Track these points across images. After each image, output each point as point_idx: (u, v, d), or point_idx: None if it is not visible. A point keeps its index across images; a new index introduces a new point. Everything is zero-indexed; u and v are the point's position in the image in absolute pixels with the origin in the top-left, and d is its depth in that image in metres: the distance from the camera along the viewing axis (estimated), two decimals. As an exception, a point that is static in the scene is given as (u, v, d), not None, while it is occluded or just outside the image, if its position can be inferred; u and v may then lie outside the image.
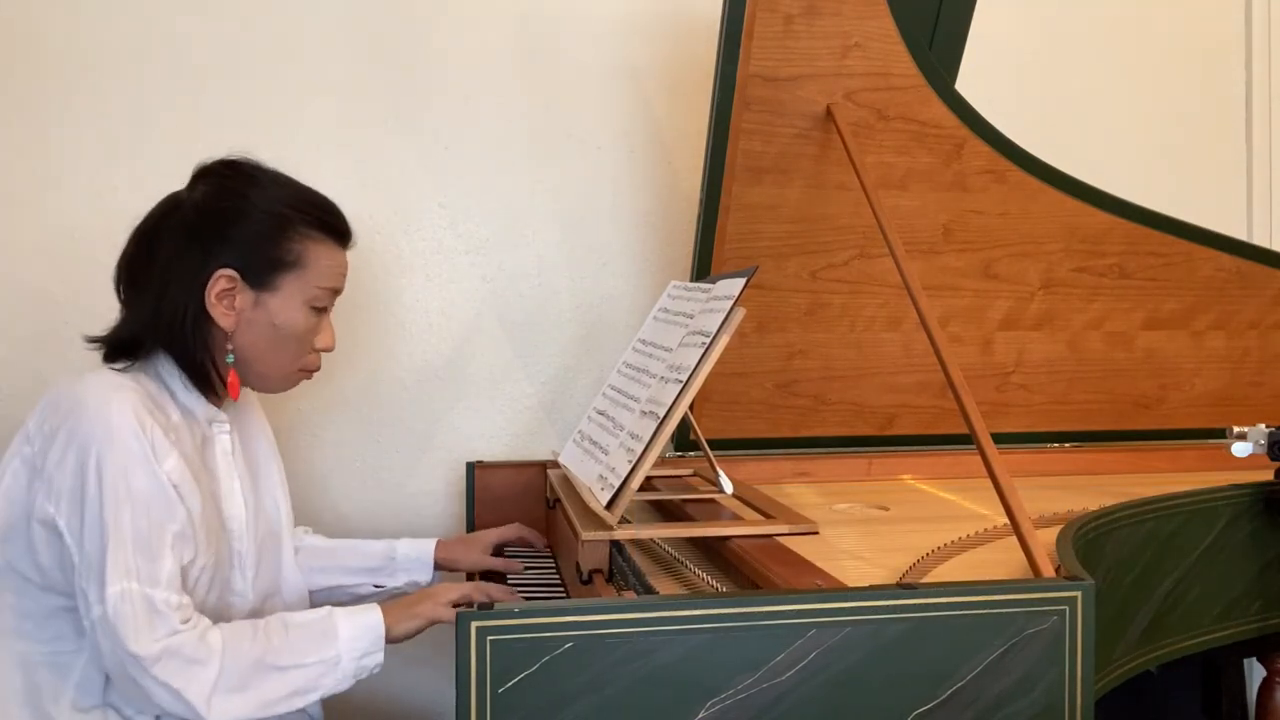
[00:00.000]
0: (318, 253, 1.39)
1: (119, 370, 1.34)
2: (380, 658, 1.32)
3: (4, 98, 2.05)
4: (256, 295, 1.36)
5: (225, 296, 1.34)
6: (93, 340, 1.38)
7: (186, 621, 1.23)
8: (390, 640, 1.32)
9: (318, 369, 1.46)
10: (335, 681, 1.28)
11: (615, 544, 1.42)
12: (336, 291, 1.43)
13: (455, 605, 1.36)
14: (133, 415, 1.25)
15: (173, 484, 1.27)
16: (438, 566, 1.70)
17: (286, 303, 1.37)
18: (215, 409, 1.42)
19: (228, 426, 1.44)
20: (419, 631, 1.36)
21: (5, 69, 2.05)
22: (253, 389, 1.46)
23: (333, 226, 1.41)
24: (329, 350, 1.45)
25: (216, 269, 1.33)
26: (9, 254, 2.06)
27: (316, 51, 2.14)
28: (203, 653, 1.21)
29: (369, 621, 1.31)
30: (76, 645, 1.29)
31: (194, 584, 1.30)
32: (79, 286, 2.03)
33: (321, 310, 1.42)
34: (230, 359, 1.37)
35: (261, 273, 1.35)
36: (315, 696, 1.28)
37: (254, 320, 1.36)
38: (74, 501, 1.23)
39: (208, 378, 1.37)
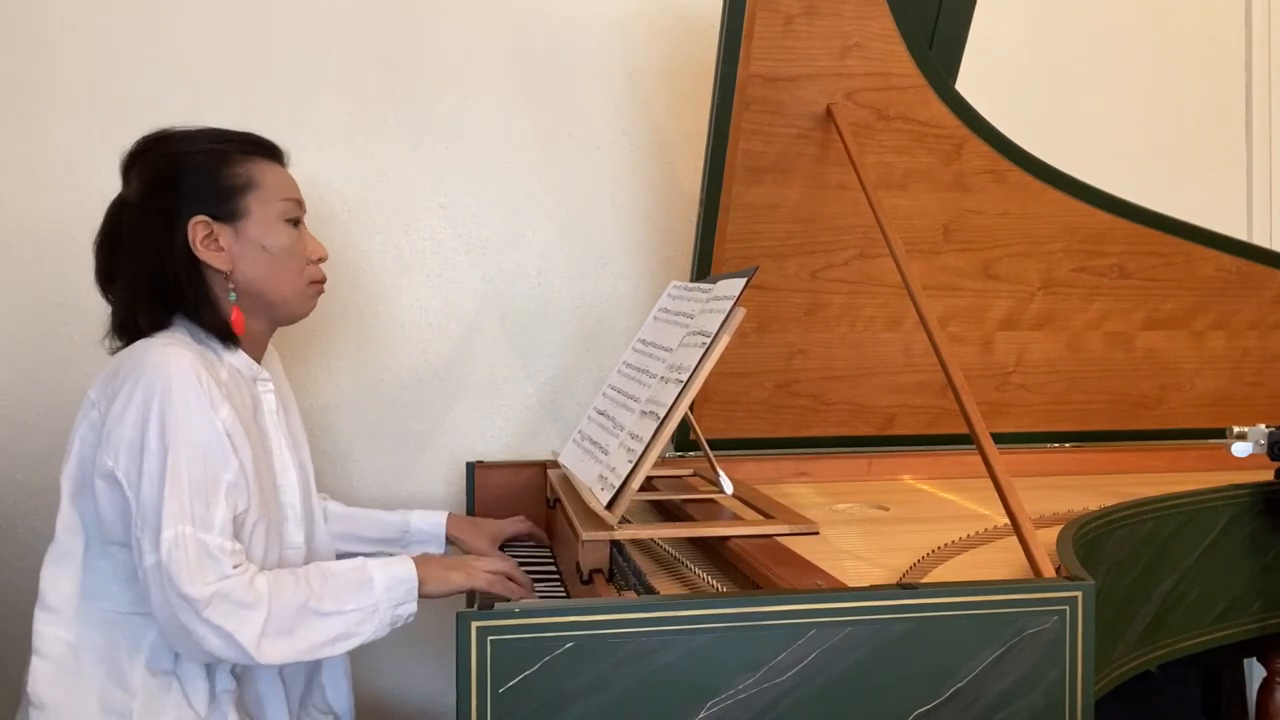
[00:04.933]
0: (262, 170, 1.45)
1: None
2: (414, 608, 1.37)
3: (5, 99, 2.05)
4: (234, 227, 1.41)
5: (209, 241, 1.40)
6: (107, 337, 1.42)
7: (237, 567, 1.27)
8: (420, 595, 1.37)
9: (324, 279, 1.52)
10: (374, 629, 1.33)
11: (615, 544, 1.42)
12: (299, 203, 1.49)
13: (484, 591, 1.42)
14: (190, 367, 1.30)
15: (226, 433, 1.32)
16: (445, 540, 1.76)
17: (262, 222, 1.43)
18: (257, 365, 1.47)
19: (271, 385, 1.49)
20: (448, 595, 1.41)
21: (7, 71, 2.05)
22: (277, 320, 1.50)
23: (261, 145, 1.48)
24: (324, 259, 1.51)
25: (187, 221, 1.38)
26: (8, 254, 2.06)
27: (317, 52, 2.14)
28: (251, 597, 1.25)
29: (403, 574, 1.36)
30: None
31: (250, 539, 1.34)
32: (80, 288, 2.02)
33: (296, 222, 1.48)
34: (232, 297, 1.42)
35: (227, 203, 1.41)
36: (356, 642, 1.32)
37: (244, 251, 1.42)
38: (132, 452, 1.27)
39: (226, 325, 1.41)
